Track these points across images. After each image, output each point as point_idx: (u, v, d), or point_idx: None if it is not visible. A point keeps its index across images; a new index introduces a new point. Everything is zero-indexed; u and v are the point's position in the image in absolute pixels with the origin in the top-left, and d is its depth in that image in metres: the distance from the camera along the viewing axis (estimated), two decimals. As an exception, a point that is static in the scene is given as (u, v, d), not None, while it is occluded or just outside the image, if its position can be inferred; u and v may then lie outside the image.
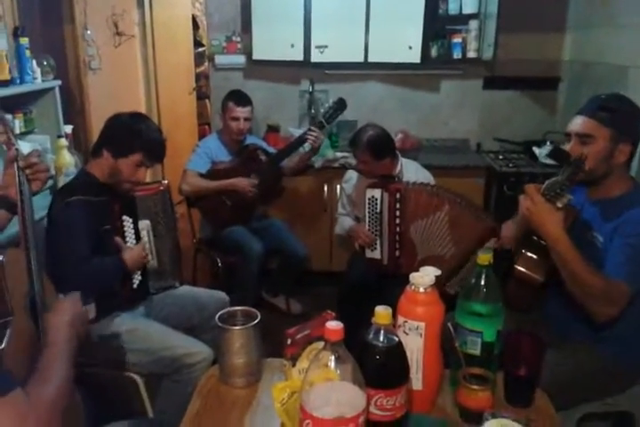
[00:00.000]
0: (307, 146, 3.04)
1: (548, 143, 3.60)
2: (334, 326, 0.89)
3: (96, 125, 3.74)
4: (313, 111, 3.88)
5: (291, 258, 3.16)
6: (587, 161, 1.51)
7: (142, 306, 2.15)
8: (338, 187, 3.51)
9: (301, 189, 3.55)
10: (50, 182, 2.57)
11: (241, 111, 3.03)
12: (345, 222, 2.80)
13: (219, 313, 1.35)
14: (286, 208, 3.52)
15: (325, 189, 3.55)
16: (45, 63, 2.55)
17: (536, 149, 3.59)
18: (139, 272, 2.06)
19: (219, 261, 3.13)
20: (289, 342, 1.24)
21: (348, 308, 2.61)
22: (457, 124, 4.00)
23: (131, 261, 1.97)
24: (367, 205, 2.51)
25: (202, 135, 5.80)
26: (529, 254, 1.71)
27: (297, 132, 3.69)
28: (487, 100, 3.95)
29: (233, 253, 3.05)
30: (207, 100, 6.19)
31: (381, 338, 0.99)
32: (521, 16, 3.58)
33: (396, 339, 1.00)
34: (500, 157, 3.71)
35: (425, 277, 1.16)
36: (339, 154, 3.60)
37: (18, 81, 2.35)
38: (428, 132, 3.96)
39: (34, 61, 2.45)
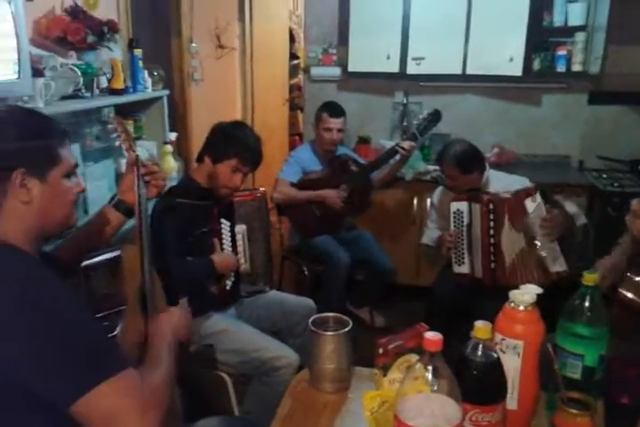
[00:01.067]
0: (397, 157, 3.03)
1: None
2: (433, 336, 0.88)
3: (197, 133, 3.93)
4: (405, 123, 3.86)
5: (377, 270, 3.15)
6: None
7: (233, 308, 2.22)
8: (428, 200, 3.48)
9: (391, 201, 3.53)
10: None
11: (334, 122, 3.08)
12: (433, 233, 2.77)
13: (312, 318, 1.37)
14: (374, 220, 3.51)
15: (415, 202, 3.51)
16: (155, 74, 2.71)
17: (644, 168, 3.39)
18: (232, 274, 2.14)
19: (305, 269, 3.18)
20: (380, 351, 1.24)
21: (437, 323, 2.56)
22: (558, 139, 3.85)
23: (220, 263, 2.04)
24: (453, 219, 2.48)
25: (292, 146, 5.95)
26: (636, 279, 1.62)
27: (388, 144, 3.70)
28: (592, 115, 3.78)
29: (320, 262, 3.09)
30: (299, 112, 6.35)
31: (480, 353, 0.97)
32: (631, 28, 3.40)
33: (495, 355, 0.97)
34: (604, 175, 3.53)
35: (525, 294, 1.13)
36: (430, 167, 3.56)
37: (131, 90, 2.51)
38: (527, 147, 3.85)
39: (145, 72, 2.61)
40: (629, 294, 1.60)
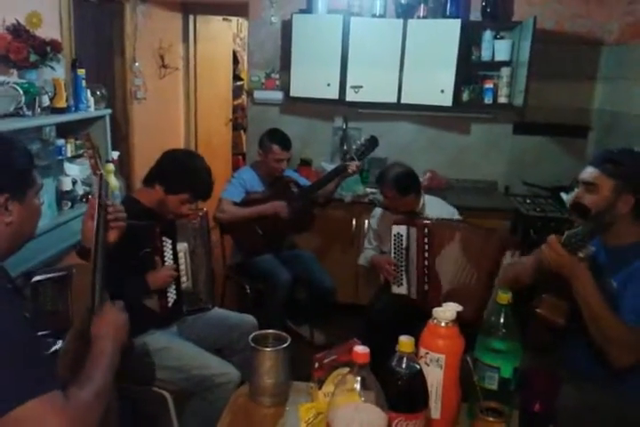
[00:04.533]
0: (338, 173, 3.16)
1: (576, 190, 3.66)
2: (361, 349, 0.97)
3: (138, 151, 3.95)
4: (345, 147, 4.01)
5: (318, 289, 3.24)
6: (608, 214, 1.60)
7: (175, 325, 2.25)
8: (366, 222, 3.61)
9: (330, 222, 3.64)
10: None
11: (285, 154, 3.18)
12: (369, 254, 2.89)
13: (252, 334, 1.44)
14: (314, 240, 3.62)
15: (354, 223, 3.64)
16: (98, 93, 2.73)
17: (564, 195, 3.63)
18: (174, 292, 2.17)
19: (247, 287, 3.23)
20: (316, 365, 1.32)
21: (373, 341, 2.66)
22: (486, 166, 4.09)
23: (154, 280, 2.07)
24: (393, 242, 2.60)
25: (235, 165, 6.02)
26: (550, 298, 1.78)
27: (329, 167, 3.83)
28: (517, 144, 4.04)
29: (261, 280, 3.15)
30: (242, 132, 6.43)
31: (404, 365, 1.07)
32: (553, 64, 3.70)
33: (418, 367, 1.07)
34: (528, 200, 3.77)
35: (447, 311, 1.24)
36: (368, 190, 3.71)
37: (73, 109, 2.52)
38: (457, 172, 4.06)
39: (88, 91, 2.63)
40: (545, 313, 1.76)
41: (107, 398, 1.19)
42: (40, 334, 1.25)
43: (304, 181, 3.39)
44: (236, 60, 6.23)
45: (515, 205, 3.71)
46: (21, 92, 2.09)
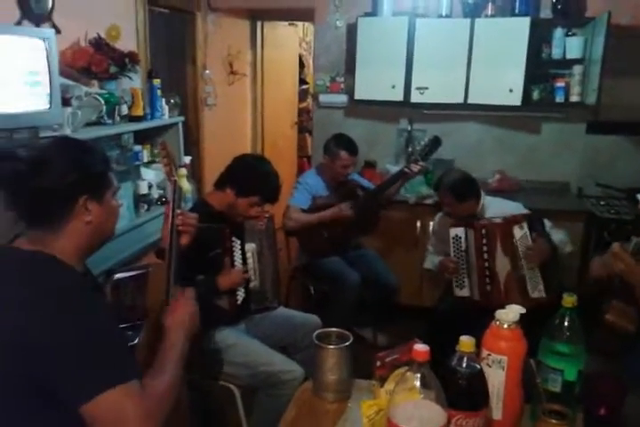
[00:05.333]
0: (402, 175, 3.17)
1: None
2: (421, 347, 1.00)
3: (208, 156, 4.10)
4: (410, 149, 4.01)
5: (383, 288, 3.26)
6: None
7: (243, 323, 2.34)
8: (430, 223, 3.60)
9: (395, 223, 3.65)
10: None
11: (352, 160, 3.21)
12: (434, 258, 2.89)
13: (316, 332, 1.49)
14: (379, 242, 3.63)
15: (418, 224, 3.64)
16: (172, 101, 2.86)
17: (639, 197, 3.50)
18: (243, 290, 2.25)
19: (312, 288, 3.29)
20: (378, 364, 1.35)
21: (436, 341, 2.66)
22: (558, 167, 3.98)
23: (224, 282, 2.16)
24: (452, 244, 2.61)
25: (300, 167, 6.12)
26: (618, 304, 1.74)
27: (393, 169, 3.84)
28: (590, 144, 3.90)
29: (328, 281, 3.20)
30: (307, 135, 6.53)
31: (464, 364, 1.08)
32: (627, 60, 3.55)
33: (478, 366, 1.09)
34: (602, 202, 3.64)
35: (510, 313, 1.24)
36: (433, 191, 3.68)
37: (149, 117, 2.67)
38: (528, 173, 3.97)
39: (163, 100, 2.77)
40: (614, 319, 1.73)
41: (178, 389, 1.25)
42: (121, 326, 1.34)
43: (368, 184, 3.41)
44: (302, 64, 6.34)
45: (588, 207, 3.60)
46: (103, 102, 2.23)
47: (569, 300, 1.29)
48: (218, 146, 4.20)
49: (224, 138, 4.41)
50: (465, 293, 2.63)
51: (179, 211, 1.62)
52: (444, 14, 3.64)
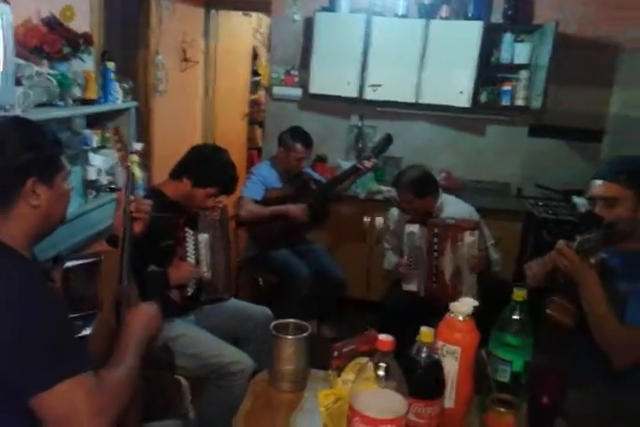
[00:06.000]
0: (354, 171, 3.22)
1: (587, 206, 3.69)
2: (386, 338, 1.03)
3: (158, 143, 4.01)
4: (360, 145, 4.06)
5: (330, 282, 3.29)
6: (618, 224, 1.65)
7: (193, 315, 2.32)
8: (377, 219, 3.67)
9: (344, 217, 3.70)
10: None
11: (307, 153, 3.24)
12: (392, 258, 2.93)
13: (273, 323, 1.50)
14: (328, 234, 3.67)
15: (366, 220, 3.70)
16: (126, 85, 2.79)
17: (576, 199, 3.67)
18: (194, 281, 2.24)
19: (260, 280, 3.29)
20: (335, 354, 1.38)
21: (386, 333, 2.72)
22: (500, 168, 4.12)
23: (175, 276, 2.14)
24: (406, 240, 2.66)
25: (250, 159, 6.08)
26: (559, 300, 1.84)
27: (344, 164, 3.88)
28: (531, 147, 4.07)
29: (278, 274, 3.22)
30: (257, 126, 6.49)
31: (424, 354, 1.12)
32: (570, 69, 3.71)
33: (436, 356, 1.13)
34: (540, 203, 3.80)
35: (464, 306, 1.30)
36: (382, 187, 3.76)
37: (102, 100, 2.59)
38: (472, 173, 4.10)
39: (117, 84, 2.70)
40: (555, 314, 1.82)
41: (134, 382, 1.24)
42: (71, 317, 1.31)
43: (320, 178, 3.44)
44: (255, 56, 6.29)
45: (527, 207, 3.75)
46: (56, 83, 2.15)
47: (519, 294, 1.36)
48: (168, 133, 4.12)
49: (174, 125, 4.33)
50: (413, 288, 2.70)
51: (132, 197, 1.60)
52: (400, 14, 3.70)
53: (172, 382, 2.15)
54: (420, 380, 1.10)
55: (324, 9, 3.77)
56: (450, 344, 1.28)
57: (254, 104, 6.42)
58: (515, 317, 1.35)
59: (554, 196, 3.93)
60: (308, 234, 3.52)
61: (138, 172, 2.76)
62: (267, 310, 2.48)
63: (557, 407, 1.37)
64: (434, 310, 2.61)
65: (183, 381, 2.17)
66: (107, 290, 1.40)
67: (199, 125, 5.07)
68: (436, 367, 1.12)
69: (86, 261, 1.44)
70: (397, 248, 2.96)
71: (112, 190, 2.78)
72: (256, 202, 3.20)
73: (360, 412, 1.03)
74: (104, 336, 1.35)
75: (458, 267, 2.55)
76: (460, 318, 1.28)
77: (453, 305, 1.30)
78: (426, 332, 1.12)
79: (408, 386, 1.06)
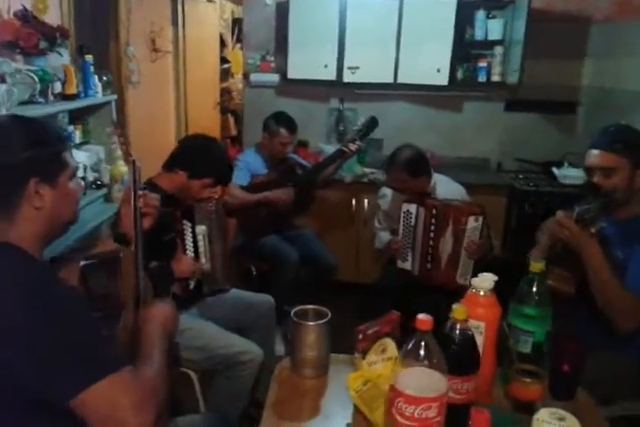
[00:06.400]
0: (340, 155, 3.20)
1: (566, 164, 3.77)
2: (424, 317, 1.04)
3: (133, 135, 3.93)
4: (342, 128, 4.06)
5: (321, 267, 3.30)
6: (616, 191, 1.70)
7: (195, 307, 2.30)
8: (365, 201, 3.69)
9: (330, 202, 3.71)
10: (104, 190, 2.75)
11: (292, 138, 3.22)
12: (383, 237, 2.94)
13: (293, 310, 1.50)
14: (315, 220, 3.67)
15: (353, 202, 3.71)
16: (105, 78, 2.72)
17: (555, 170, 3.75)
18: (195, 274, 2.21)
19: (253, 269, 3.28)
20: (360, 337, 1.39)
21: (379, 311, 2.74)
22: (478, 143, 4.17)
23: (179, 271, 2.12)
24: (402, 219, 2.66)
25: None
26: (558, 270, 1.88)
27: (327, 148, 3.88)
28: (508, 121, 4.12)
29: (268, 261, 3.21)
30: (229, 115, 6.41)
31: (457, 331, 1.14)
32: (542, 42, 3.74)
33: (470, 332, 1.15)
34: (520, 176, 3.87)
35: (485, 281, 1.31)
36: (366, 169, 3.77)
37: (83, 95, 2.52)
38: (451, 150, 4.14)
39: (96, 77, 2.63)
40: (555, 284, 1.86)
41: (165, 376, 1.23)
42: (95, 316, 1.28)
43: (306, 164, 3.43)
44: (222, 43, 6.18)
45: (508, 181, 3.81)
46: (37, 79, 2.09)
47: (537, 266, 1.38)
48: (142, 125, 4.04)
49: (148, 117, 4.24)
50: (407, 266, 2.71)
51: (140, 193, 1.56)
52: (373, -6, 3.68)
53: (181, 377, 2.15)
54: (455, 356, 1.11)
55: (297, -8, 3.72)
56: (474, 320, 1.29)
57: (225, 92, 6.34)
58: (533, 288, 1.38)
59: (533, 168, 4.00)
60: (296, 220, 3.52)
61: (122, 167, 2.72)
62: (269, 298, 2.49)
63: (578, 375, 1.41)
64: (427, 289, 2.67)
65: (192, 374, 2.17)
66: (127, 288, 1.38)
67: (172, 116, 4.99)
68: (470, 343, 1.14)
69: (103, 258, 1.41)
70: (390, 228, 2.98)
71: (98, 187, 2.73)
72: (242, 188, 3.18)
73: (403, 391, 1.04)
74: (129, 334, 1.34)
75: (456, 250, 2.52)
76: (482, 293, 1.30)
77: (475, 280, 1.31)
78: (459, 309, 1.13)
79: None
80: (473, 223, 2.45)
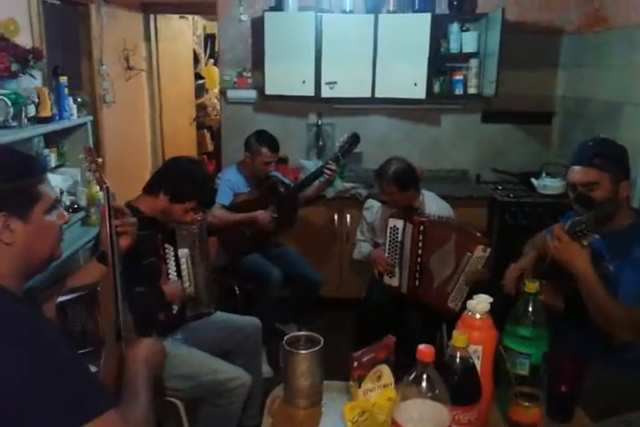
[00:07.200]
0: (322, 179, 3.17)
1: (544, 174, 3.79)
2: (425, 348, 1.01)
3: (110, 156, 3.87)
4: (321, 143, 4.04)
5: (306, 285, 3.26)
6: (610, 203, 1.70)
7: (179, 332, 2.24)
8: (348, 216, 3.66)
9: (313, 218, 3.68)
10: (82, 213, 2.68)
11: (274, 157, 3.18)
12: (364, 248, 2.92)
13: (285, 337, 1.46)
14: (298, 237, 3.63)
15: (336, 218, 3.68)
16: (79, 100, 2.66)
17: (534, 180, 3.77)
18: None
19: (237, 288, 3.22)
20: (355, 364, 1.35)
21: (367, 331, 2.71)
22: (457, 155, 4.19)
23: (170, 294, 2.08)
24: (388, 234, 2.64)
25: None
26: (548, 285, 1.87)
27: (307, 164, 3.85)
28: (485, 133, 4.15)
29: (252, 280, 3.16)
30: (206, 131, 6.37)
31: (458, 360, 1.11)
32: (516, 54, 3.79)
33: (471, 361, 1.12)
34: (500, 187, 3.88)
35: (480, 304, 1.29)
36: (347, 184, 3.74)
37: (57, 117, 2.46)
38: (430, 163, 4.14)
39: (70, 98, 2.57)
40: (547, 299, 1.84)
41: (152, 415, 1.18)
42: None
43: (288, 181, 3.40)
44: (196, 60, 6.15)
45: (488, 192, 3.82)
46: (10, 103, 2.02)
47: (532, 286, 1.36)
48: (118, 145, 3.99)
49: (124, 136, 4.19)
50: (394, 282, 2.69)
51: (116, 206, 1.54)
52: (347, 10, 3.69)
53: (166, 406, 2.08)
54: (457, 387, 1.08)
55: (272, 8, 3.72)
56: (471, 344, 1.26)
57: (201, 108, 6.30)
58: (529, 309, 1.36)
59: (511, 179, 4.02)
60: (279, 237, 3.48)
61: (97, 189, 2.65)
62: (255, 321, 2.44)
63: (576, 395, 1.39)
64: (415, 306, 2.64)
65: (178, 403, 2.10)
66: (107, 322, 1.33)
67: (148, 134, 4.93)
68: (472, 372, 1.11)
69: (81, 293, 1.36)
70: (372, 240, 2.95)
71: (75, 211, 2.66)
72: (224, 207, 3.13)
73: (404, 426, 1.00)
74: (112, 371, 1.28)
75: (455, 274, 2.48)
76: (478, 316, 1.28)
77: (470, 303, 1.29)
78: (459, 337, 1.10)
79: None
80: (480, 253, 2.41)
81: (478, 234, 2.51)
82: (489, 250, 2.43)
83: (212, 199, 2.24)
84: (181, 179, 2.14)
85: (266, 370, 2.91)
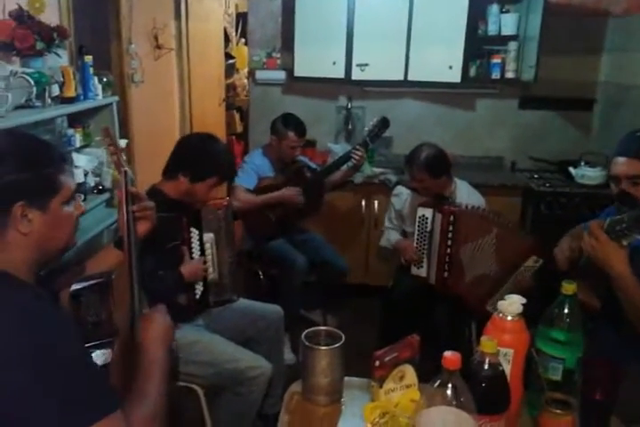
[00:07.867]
0: (349, 163, 3.09)
1: (583, 163, 3.64)
2: (452, 355, 0.94)
3: (138, 137, 3.84)
4: (350, 127, 3.94)
5: (332, 271, 3.21)
6: None
7: (201, 318, 2.21)
8: (376, 202, 3.59)
9: (340, 204, 3.61)
10: (107, 195, 2.66)
11: (301, 141, 3.10)
12: (392, 236, 2.85)
13: (304, 332, 1.40)
14: (325, 222, 3.57)
15: (363, 204, 3.61)
16: (105, 79, 2.62)
17: (572, 169, 3.63)
18: (201, 284, 2.12)
19: (261, 273, 3.19)
20: (377, 363, 1.28)
21: (394, 322, 2.66)
22: (491, 142, 4.06)
23: (188, 274, 2.04)
24: (417, 223, 2.56)
25: (229, 145, 5.90)
26: (585, 283, 1.77)
27: (335, 148, 3.77)
28: (522, 119, 4.00)
29: (276, 265, 3.12)
30: (235, 112, 6.30)
31: (486, 367, 1.04)
32: (557, 38, 3.62)
33: (501, 368, 1.05)
34: (536, 175, 3.75)
35: (513, 304, 1.21)
36: (376, 170, 3.66)
37: (82, 97, 2.42)
38: (463, 149, 4.01)
39: (95, 78, 2.53)
40: (584, 298, 1.75)
41: (165, 405, 1.14)
42: (87, 346, 1.19)
43: (314, 166, 3.32)
44: (226, 39, 6.06)
45: (524, 181, 3.69)
46: (33, 82, 1.99)
47: (569, 287, 1.28)
48: (146, 126, 3.94)
49: (152, 117, 4.14)
50: (422, 272, 2.62)
51: (133, 190, 1.48)
52: (382, -12, 3.55)
53: (186, 392, 2.06)
54: (484, 395, 1.01)
55: (304, -14, 3.60)
56: (501, 347, 1.19)
57: (231, 88, 6.23)
58: (564, 311, 1.27)
59: (548, 168, 3.88)
60: (305, 222, 3.42)
61: (130, 173, 2.62)
62: (277, 308, 2.40)
63: (612, 403, 1.31)
64: (444, 298, 2.57)
65: (199, 390, 2.08)
66: (121, 312, 1.29)
67: (177, 115, 4.88)
68: (501, 380, 1.04)
69: (95, 281, 1.32)
70: (400, 228, 2.88)
71: (100, 192, 2.64)
72: (249, 191, 3.08)
73: (428, 435, 0.94)
74: (125, 364, 1.24)
75: (501, 277, 2.41)
76: (510, 317, 1.20)
77: (501, 304, 1.21)
78: (488, 343, 1.03)
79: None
80: (532, 263, 2.36)
81: (530, 239, 2.43)
82: (541, 261, 2.36)
83: (232, 171, 2.20)
84: (195, 157, 2.09)
85: (289, 357, 2.88)
